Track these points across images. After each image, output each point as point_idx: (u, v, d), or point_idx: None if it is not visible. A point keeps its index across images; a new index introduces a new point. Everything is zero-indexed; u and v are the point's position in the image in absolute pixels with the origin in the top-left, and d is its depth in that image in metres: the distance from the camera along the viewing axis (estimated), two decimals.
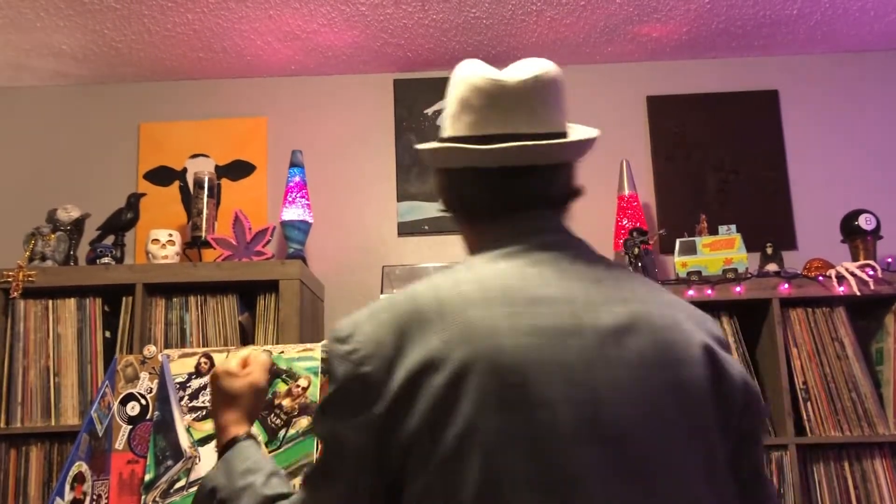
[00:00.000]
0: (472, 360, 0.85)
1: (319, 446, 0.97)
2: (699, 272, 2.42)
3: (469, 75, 1.05)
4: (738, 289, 2.37)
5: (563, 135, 1.05)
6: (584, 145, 1.05)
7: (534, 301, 0.91)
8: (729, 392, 0.95)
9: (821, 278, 2.38)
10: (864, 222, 2.49)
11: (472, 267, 0.98)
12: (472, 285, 0.93)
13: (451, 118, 1.07)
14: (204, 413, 2.02)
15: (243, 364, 1.27)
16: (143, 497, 1.93)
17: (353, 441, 0.89)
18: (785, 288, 2.37)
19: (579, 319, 0.91)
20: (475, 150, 1.01)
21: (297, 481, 1.92)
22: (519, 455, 0.83)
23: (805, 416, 2.32)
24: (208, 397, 2.04)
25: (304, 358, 2.07)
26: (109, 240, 2.63)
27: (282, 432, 1.96)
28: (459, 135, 1.04)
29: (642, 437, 0.87)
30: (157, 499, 1.92)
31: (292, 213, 2.66)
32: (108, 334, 2.43)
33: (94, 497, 1.96)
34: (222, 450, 1.19)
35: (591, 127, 1.09)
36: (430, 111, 2.98)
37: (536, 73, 1.05)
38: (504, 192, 1.04)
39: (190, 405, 2.03)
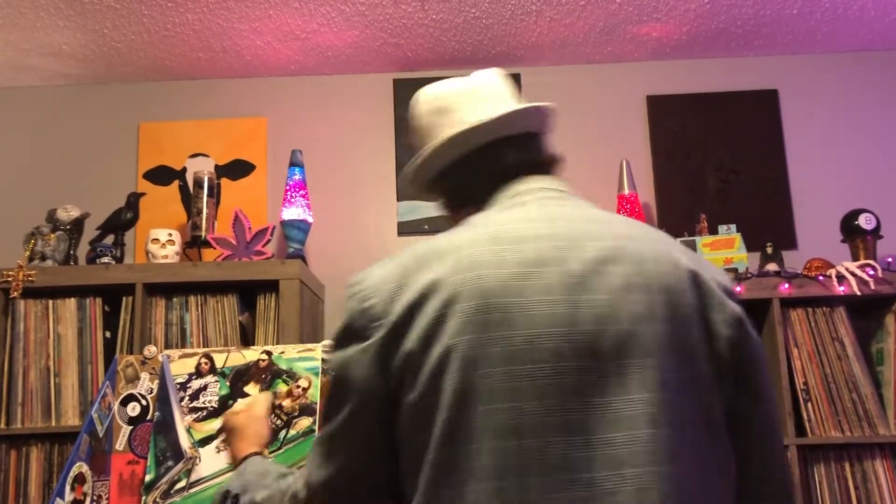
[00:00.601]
0: (461, 288, 0.96)
1: (328, 397, 1.08)
2: None
3: (431, 93, 1.23)
4: (738, 288, 2.37)
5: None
6: (539, 111, 1.20)
7: (519, 240, 1.01)
8: (717, 321, 1.01)
9: (821, 278, 2.38)
10: (864, 222, 2.49)
11: (468, 222, 1.10)
12: (465, 233, 1.04)
13: (427, 130, 1.22)
14: (204, 414, 2.02)
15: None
16: (143, 498, 1.93)
17: (359, 367, 1.00)
18: (785, 288, 2.37)
19: (563, 252, 0.99)
20: (468, 130, 1.15)
21: None
22: (493, 368, 0.92)
23: (805, 417, 2.32)
24: (209, 398, 2.04)
25: (305, 358, 2.07)
26: (109, 239, 2.63)
27: (282, 433, 1.96)
28: (444, 137, 1.17)
29: (621, 354, 0.94)
30: (158, 499, 1.92)
31: (292, 212, 2.66)
32: (108, 334, 2.43)
33: (95, 498, 1.96)
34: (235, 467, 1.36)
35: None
36: None
37: (482, 72, 1.25)
38: (495, 165, 1.16)
39: (190, 406, 2.03)
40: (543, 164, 1.18)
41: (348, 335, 1.02)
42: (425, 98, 1.24)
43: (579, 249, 0.99)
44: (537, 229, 1.02)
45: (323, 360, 1.11)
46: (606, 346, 0.94)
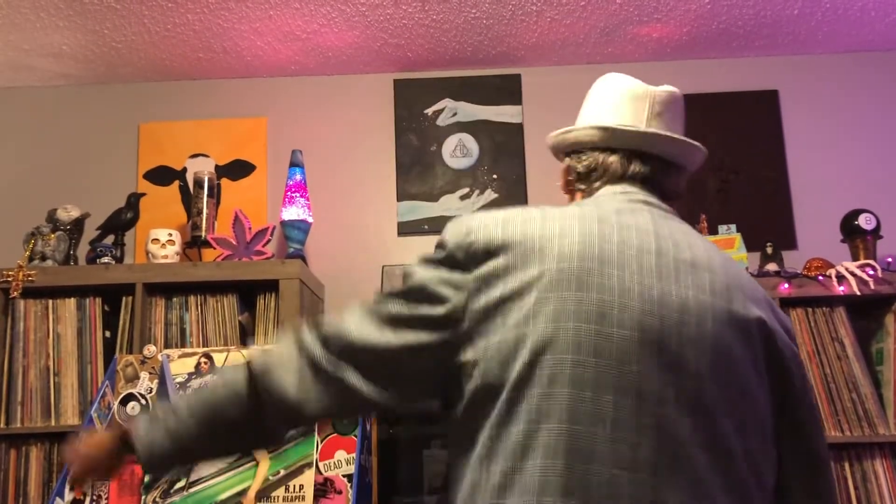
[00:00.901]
0: (563, 248, 1.03)
1: (398, 287, 1.12)
2: None
3: (627, 82, 1.25)
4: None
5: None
6: (696, 151, 1.23)
7: (624, 227, 1.08)
8: (781, 345, 1.08)
9: (821, 278, 2.38)
10: (864, 222, 2.49)
11: (577, 203, 1.18)
12: (574, 207, 1.12)
13: (608, 110, 1.23)
14: None
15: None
16: (143, 497, 1.93)
17: (449, 289, 1.05)
18: (785, 288, 2.37)
19: (661, 246, 1.07)
20: (648, 133, 1.19)
21: (298, 481, 1.92)
22: (584, 323, 0.98)
23: None
24: None
25: None
26: (109, 239, 2.63)
27: None
28: (621, 123, 1.20)
29: (696, 345, 1.00)
30: (158, 499, 1.92)
31: (292, 212, 2.66)
32: (108, 334, 2.43)
33: (95, 497, 1.96)
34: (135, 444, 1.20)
35: None
36: (429, 111, 2.98)
37: (675, 90, 1.25)
38: (634, 173, 1.20)
39: None
40: (668, 194, 1.22)
41: (446, 260, 1.08)
42: (619, 84, 1.26)
43: (676, 250, 1.08)
44: (643, 224, 1.09)
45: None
46: (686, 334, 1.01)
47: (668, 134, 1.20)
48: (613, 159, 1.20)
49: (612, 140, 1.20)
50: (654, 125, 1.20)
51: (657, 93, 1.22)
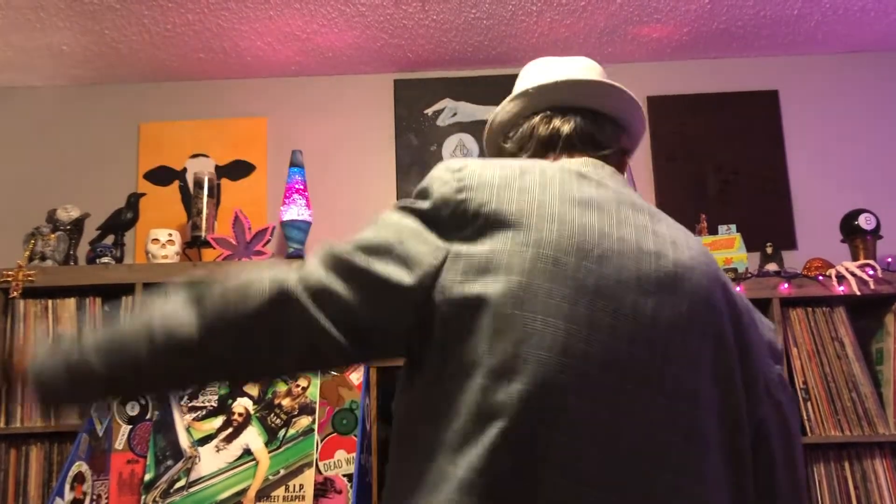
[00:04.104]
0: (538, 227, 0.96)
1: (369, 231, 1.01)
2: None
3: (536, 64, 1.33)
4: (738, 288, 2.36)
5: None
6: (632, 105, 1.26)
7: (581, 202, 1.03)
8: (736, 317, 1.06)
9: (821, 278, 2.38)
10: (864, 222, 2.49)
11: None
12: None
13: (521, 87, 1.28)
14: (204, 413, 2.02)
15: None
16: (143, 497, 1.93)
17: (414, 246, 0.96)
18: (785, 288, 2.37)
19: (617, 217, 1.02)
20: (561, 81, 1.21)
21: (298, 481, 1.92)
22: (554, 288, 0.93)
23: (805, 416, 2.32)
24: (208, 397, 2.04)
25: None
26: (109, 239, 2.63)
27: (281, 432, 1.96)
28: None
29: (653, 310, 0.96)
30: (157, 498, 1.92)
31: (292, 212, 2.66)
32: None
33: (94, 497, 1.96)
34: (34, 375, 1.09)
35: None
36: (430, 111, 2.98)
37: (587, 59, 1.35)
38: (564, 127, 1.20)
39: (190, 405, 2.03)
40: (603, 146, 1.19)
41: (428, 217, 0.99)
42: (528, 69, 1.34)
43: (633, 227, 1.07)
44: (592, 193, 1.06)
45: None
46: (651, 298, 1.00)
47: (580, 78, 1.22)
48: (536, 120, 1.20)
49: (531, 102, 1.21)
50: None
51: (566, 61, 1.29)
